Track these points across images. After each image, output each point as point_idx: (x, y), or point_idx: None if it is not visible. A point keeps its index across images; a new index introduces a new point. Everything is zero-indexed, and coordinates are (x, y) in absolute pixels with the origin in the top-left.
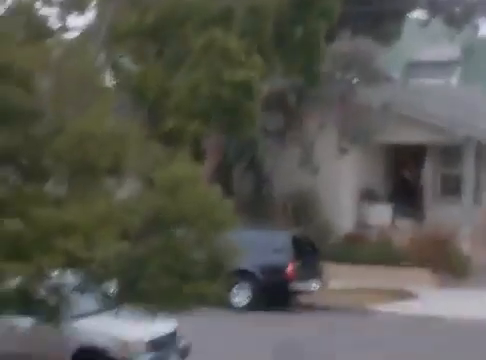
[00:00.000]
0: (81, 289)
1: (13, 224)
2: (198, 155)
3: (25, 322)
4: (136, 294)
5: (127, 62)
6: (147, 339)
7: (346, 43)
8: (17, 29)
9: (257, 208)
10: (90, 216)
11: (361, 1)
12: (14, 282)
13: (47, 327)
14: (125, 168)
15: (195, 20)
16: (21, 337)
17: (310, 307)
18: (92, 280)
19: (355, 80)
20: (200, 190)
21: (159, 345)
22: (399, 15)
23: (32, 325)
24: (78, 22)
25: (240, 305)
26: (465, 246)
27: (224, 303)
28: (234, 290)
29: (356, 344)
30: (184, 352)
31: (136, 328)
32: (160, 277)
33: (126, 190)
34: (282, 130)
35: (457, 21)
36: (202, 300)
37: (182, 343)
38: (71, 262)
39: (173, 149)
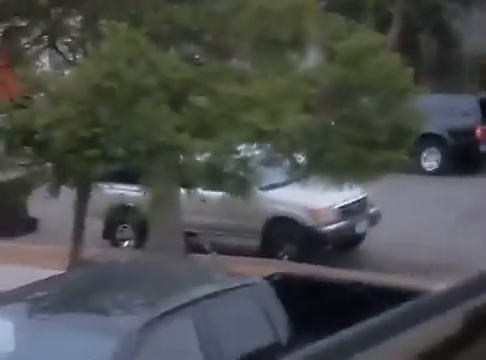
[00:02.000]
0: (268, 162)
1: (199, 101)
2: (383, 22)
3: (217, 195)
4: (322, 164)
5: None
6: (336, 207)
7: None
8: None
9: (445, 72)
10: (273, 90)
11: None
12: (203, 157)
13: (238, 199)
14: (306, 40)
15: None
16: (215, 209)
17: None
18: (278, 152)
19: None
20: (381, 59)
21: (348, 212)
22: None
23: (223, 198)
24: None
25: (430, 169)
26: None
27: (413, 168)
28: (424, 154)
29: None
30: (374, 218)
31: (325, 197)
32: (345, 147)
33: (309, 62)
34: None
35: None
36: (388, 167)
37: (372, 210)
38: (256, 136)
39: (356, 19)
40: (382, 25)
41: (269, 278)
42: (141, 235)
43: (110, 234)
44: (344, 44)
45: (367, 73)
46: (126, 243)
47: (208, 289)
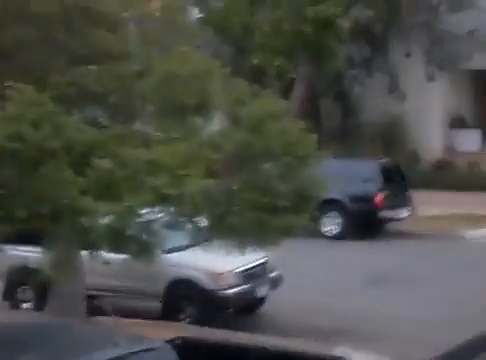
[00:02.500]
0: (171, 225)
1: (103, 164)
2: (286, 88)
3: (120, 257)
4: (225, 228)
5: None
6: (238, 270)
7: None
8: None
9: (346, 138)
10: (177, 154)
11: None
12: (106, 219)
13: (141, 262)
14: (211, 105)
15: None
16: (117, 271)
17: (400, 234)
18: (181, 216)
19: (441, 7)
20: (284, 125)
21: (250, 276)
22: None
23: (126, 260)
24: None
25: (330, 234)
26: None
27: (314, 233)
28: (324, 219)
29: (449, 269)
30: (275, 282)
31: (227, 260)
32: (247, 211)
33: (214, 127)
34: (369, 60)
35: None
36: (289, 232)
37: (273, 274)
38: (159, 200)
39: (259, 84)
40: (285, 91)
41: (171, 342)
42: (42, 297)
43: (10, 295)
44: (247, 110)
45: (270, 139)
46: (26, 305)
47: (111, 353)
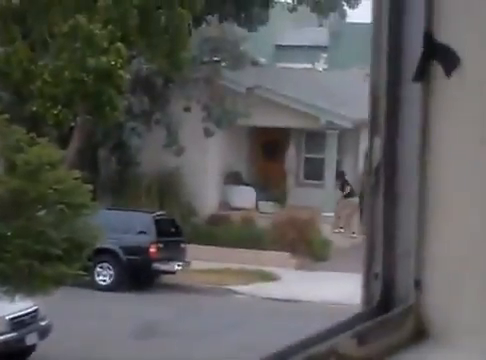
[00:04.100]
0: None
1: None
2: (64, 137)
3: None
4: None
5: None
6: (7, 318)
7: (214, 28)
8: None
9: (122, 189)
10: None
11: None
12: None
13: None
14: None
15: (61, 5)
16: None
17: (172, 287)
18: None
19: (222, 64)
20: (59, 174)
21: (19, 324)
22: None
23: None
24: None
25: (103, 284)
26: (326, 230)
27: (86, 282)
28: (97, 270)
29: (217, 323)
30: (45, 331)
31: None
32: (19, 258)
33: None
34: (148, 112)
35: (323, 9)
36: (62, 281)
37: (43, 322)
38: None
39: (37, 132)
40: (64, 139)
41: None
42: None
43: None
44: (24, 157)
45: (45, 187)
46: None
47: None
